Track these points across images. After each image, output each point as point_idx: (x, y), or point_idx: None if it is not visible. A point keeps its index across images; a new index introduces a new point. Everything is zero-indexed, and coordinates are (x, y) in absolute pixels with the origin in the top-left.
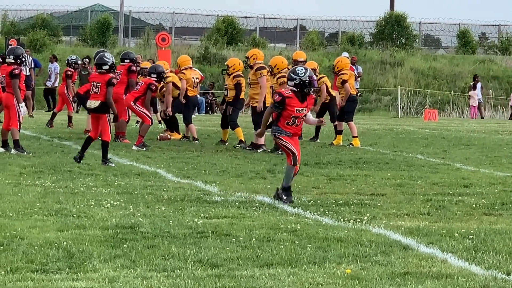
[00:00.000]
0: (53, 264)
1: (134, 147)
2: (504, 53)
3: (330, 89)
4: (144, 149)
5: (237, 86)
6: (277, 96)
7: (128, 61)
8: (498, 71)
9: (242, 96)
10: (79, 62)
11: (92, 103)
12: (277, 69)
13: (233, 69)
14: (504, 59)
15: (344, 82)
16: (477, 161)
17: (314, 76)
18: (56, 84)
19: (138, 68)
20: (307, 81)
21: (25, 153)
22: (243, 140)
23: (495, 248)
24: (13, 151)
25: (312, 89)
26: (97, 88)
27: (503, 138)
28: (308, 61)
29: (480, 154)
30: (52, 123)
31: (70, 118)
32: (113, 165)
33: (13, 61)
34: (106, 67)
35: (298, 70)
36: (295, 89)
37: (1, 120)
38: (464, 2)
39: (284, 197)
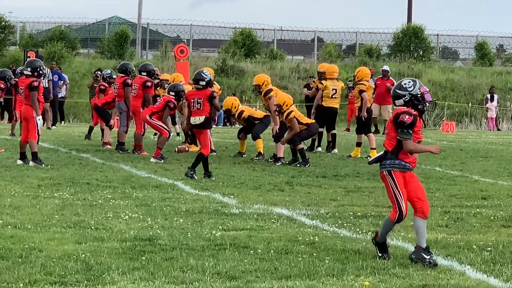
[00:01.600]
0: (72, 276)
1: (152, 159)
2: None
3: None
4: (162, 161)
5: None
6: (407, 116)
7: (145, 74)
8: None
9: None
10: (114, 76)
11: (197, 119)
12: (266, 85)
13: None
14: None
15: (361, 91)
16: (495, 173)
17: (425, 87)
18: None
19: (156, 81)
20: (419, 95)
21: (43, 165)
22: (262, 153)
23: None
24: (31, 163)
25: (427, 104)
26: (198, 105)
27: None
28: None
29: (498, 166)
30: (90, 137)
31: (102, 131)
32: (213, 178)
33: (30, 73)
34: (203, 83)
35: (404, 84)
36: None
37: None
38: (481, 15)
39: (379, 254)
